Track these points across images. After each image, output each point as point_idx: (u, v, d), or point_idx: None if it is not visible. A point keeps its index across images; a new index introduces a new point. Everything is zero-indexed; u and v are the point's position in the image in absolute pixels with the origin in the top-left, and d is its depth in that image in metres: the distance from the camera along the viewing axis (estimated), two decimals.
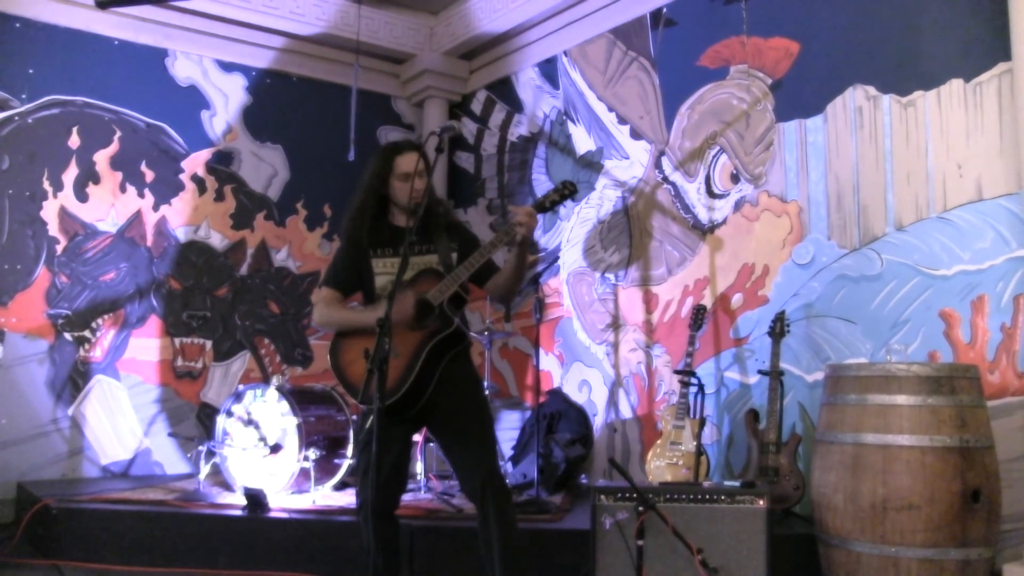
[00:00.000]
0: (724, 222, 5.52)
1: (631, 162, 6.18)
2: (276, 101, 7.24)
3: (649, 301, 5.94)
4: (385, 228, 3.65)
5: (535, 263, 6.54)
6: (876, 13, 4.81)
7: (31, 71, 6.17)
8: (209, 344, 6.77)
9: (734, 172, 5.48)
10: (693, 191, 5.72)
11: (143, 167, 6.58)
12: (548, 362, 6.60)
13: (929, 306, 4.47)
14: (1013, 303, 4.17)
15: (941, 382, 3.72)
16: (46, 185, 6.17)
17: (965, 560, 3.61)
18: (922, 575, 3.60)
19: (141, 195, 6.55)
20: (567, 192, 3.46)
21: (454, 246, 3.63)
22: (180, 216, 6.72)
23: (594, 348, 6.31)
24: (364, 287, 3.67)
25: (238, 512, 4.85)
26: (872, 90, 4.81)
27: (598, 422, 6.15)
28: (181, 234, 6.72)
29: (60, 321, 6.16)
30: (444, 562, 4.40)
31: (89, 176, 6.34)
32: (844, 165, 4.92)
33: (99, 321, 6.31)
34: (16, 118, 6.09)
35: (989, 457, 3.74)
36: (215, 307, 6.82)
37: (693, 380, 4.98)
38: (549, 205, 3.47)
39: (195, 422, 6.61)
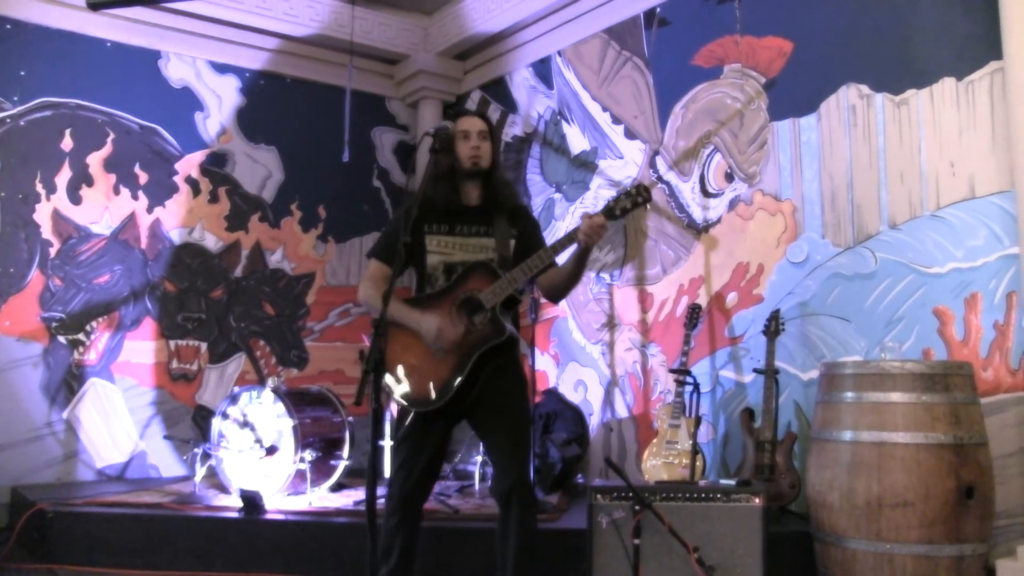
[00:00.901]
0: (719, 221, 5.53)
1: (625, 162, 6.19)
2: (270, 102, 7.23)
3: (644, 300, 5.94)
4: (448, 202, 3.51)
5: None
6: (869, 12, 4.83)
7: (23, 73, 6.16)
8: (204, 346, 6.76)
9: (728, 171, 5.49)
10: (687, 190, 5.73)
11: (137, 169, 6.57)
12: (544, 362, 6.61)
13: (923, 304, 4.48)
14: (1006, 300, 4.19)
15: (935, 379, 3.73)
16: (39, 188, 6.16)
17: (959, 556, 3.62)
18: (917, 572, 3.61)
19: (135, 197, 6.55)
20: (641, 199, 3.27)
21: (514, 232, 3.54)
22: (174, 218, 6.71)
23: (589, 348, 6.32)
24: (415, 263, 3.55)
25: (234, 514, 4.85)
26: (865, 89, 4.82)
27: (594, 422, 6.16)
28: (175, 236, 6.71)
29: (54, 324, 6.15)
30: (441, 563, 4.40)
31: (82, 178, 6.33)
32: (838, 164, 4.93)
33: (93, 324, 6.30)
34: (8, 120, 6.08)
35: (983, 454, 3.75)
36: (210, 309, 6.81)
37: (688, 379, 4.99)
38: (620, 213, 3.29)
39: (191, 424, 6.60)
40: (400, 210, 3.56)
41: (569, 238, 3.31)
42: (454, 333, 3.37)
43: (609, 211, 3.29)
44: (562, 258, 3.48)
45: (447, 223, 3.52)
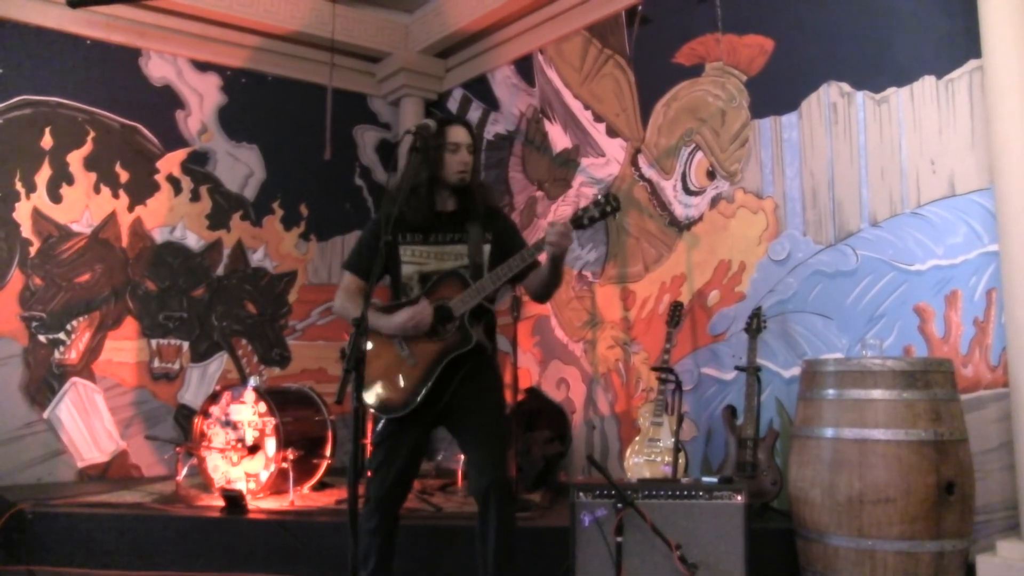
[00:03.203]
0: (700, 219, 5.54)
1: (607, 160, 6.19)
2: (251, 101, 7.20)
3: (626, 298, 5.95)
4: (422, 212, 3.48)
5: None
6: (849, 10, 4.85)
7: (1, 71, 6.11)
8: (186, 345, 6.73)
9: (710, 169, 5.51)
10: (669, 188, 5.74)
11: (117, 167, 6.53)
12: (526, 360, 6.60)
13: (904, 301, 4.51)
14: (986, 297, 4.21)
15: (916, 376, 3.75)
16: (18, 186, 6.12)
17: (940, 552, 3.64)
18: (898, 567, 3.63)
19: (116, 196, 6.51)
20: (609, 209, 3.26)
21: (488, 236, 3.55)
22: (155, 217, 6.67)
23: (572, 346, 6.32)
24: (390, 273, 3.56)
25: (216, 514, 4.83)
26: (846, 87, 4.85)
27: (576, 420, 6.16)
28: (157, 235, 6.67)
29: (34, 323, 6.10)
30: (424, 561, 4.40)
31: (63, 177, 6.29)
32: (819, 161, 4.95)
33: (74, 323, 6.26)
34: None
35: (963, 450, 3.78)
36: (192, 308, 6.78)
37: (670, 377, 5.00)
38: (587, 223, 3.29)
39: (172, 424, 6.57)
40: (376, 216, 3.61)
41: (537, 247, 3.33)
42: (426, 315, 3.37)
43: (576, 220, 3.30)
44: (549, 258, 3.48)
45: (421, 232, 3.53)
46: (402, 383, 3.42)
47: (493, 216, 3.64)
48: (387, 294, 3.67)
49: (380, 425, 3.50)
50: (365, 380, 3.37)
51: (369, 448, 4.00)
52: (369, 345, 3.46)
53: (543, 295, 3.57)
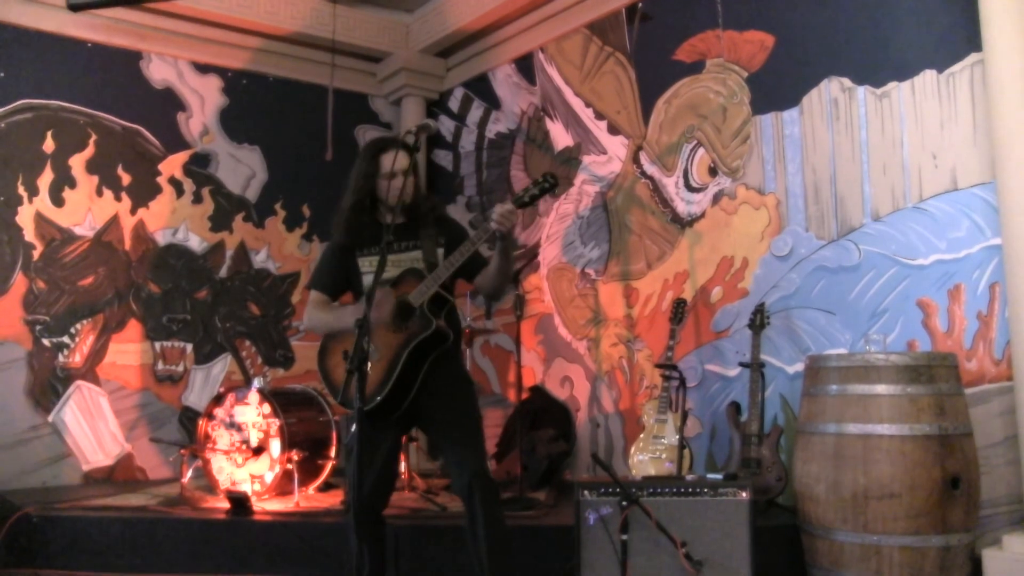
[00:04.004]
0: (702, 215, 5.53)
1: (609, 157, 6.19)
2: (253, 102, 7.20)
3: (629, 296, 5.95)
4: (372, 226, 3.62)
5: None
6: (850, 5, 4.84)
7: (2, 75, 6.11)
8: (190, 347, 6.73)
9: (711, 165, 5.50)
10: (671, 185, 5.74)
11: (119, 170, 6.53)
12: (530, 358, 6.60)
13: (907, 296, 4.50)
14: (989, 291, 4.21)
15: (919, 371, 3.75)
16: (21, 190, 6.12)
17: (946, 546, 3.64)
18: (904, 563, 3.63)
19: (118, 198, 6.51)
20: (547, 185, 3.40)
21: (441, 241, 3.63)
22: (158, 219, 6.68)
23: (575, 344, 6.32)
24: (352, 287, 3.69)
25: (222, 515, 4.84)
26: (847, 82, 4.84)
27: (581, 418, 6.16)
28: (159, 237, 6.67)
29: (38, 327, 6.11)
30: (429, 561, 4.40)
31: (65, 180, 6.29)
32: (821, 157, 4.94)
33: (78, 326, 6.27)
34: None
35: (968, 444, 3.77)
36: (195, 310, 6.78)
37: (674, 374, 4.99)
38: (529, 200, 3.41)
39: (177, 426, 6.57)
40: (331, 240, 3.79)
41: (484, 230, 3.40)
42: (387, 302, 3.44)
43: (518, 199, 3.41)
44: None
45: (377, 244, 3.53)
46: (370, 375, 3.40)
47: (443, 222, 3.74)
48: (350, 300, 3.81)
49: (353, 429, 3.49)
50: (334, 382, 3.53)
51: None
52: (334, 350, 3.58)
53: (496, 287, 3.63)
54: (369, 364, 3.39)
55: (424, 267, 3.53)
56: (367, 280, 3.57)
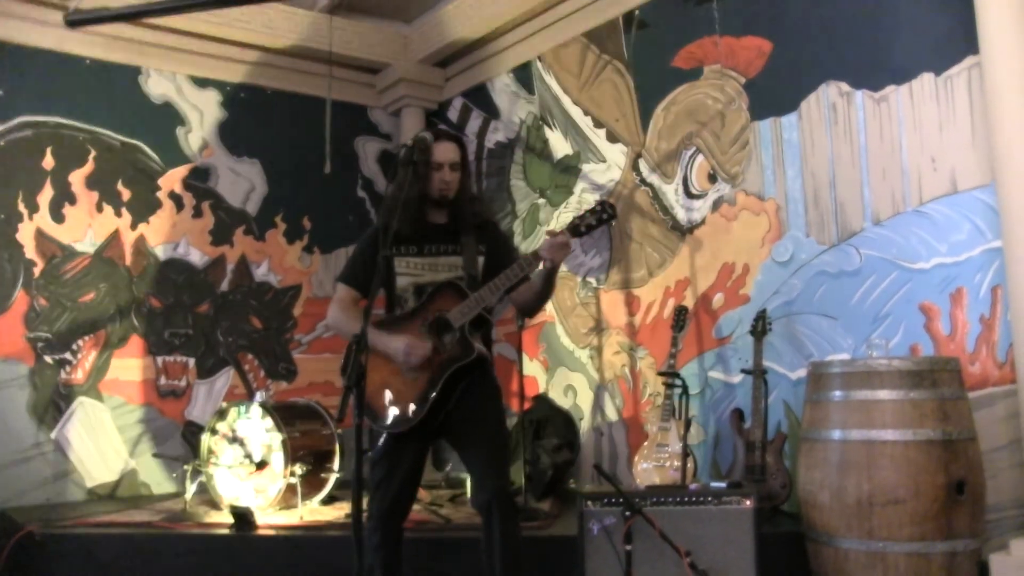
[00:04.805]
0: (703, 222, 5.53)
1: (608, 165, 6.18)
2: (251, 115, 7.20)
3: (631, 303, 5.94)
4: (415, 224, 3.50)
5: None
6: (846, 9, 4.84)
7: (1, 92, 6.12)
8: (192, 362, 6.73)
9: (711, 172, 5.49)
10: (671, 192, 5.73)
11: (119, 186, 6.54)
12: (532, 368, 6.59)
13: (909, 300, 4.49)
14: (991, 294, 4.19)
15: (922, 376, 3.73)
16: (21, 207, 6.13)
17: (952, 552, 3.62)
18: (909, 569, 3.61)
19: (118, 214, 6.52)
20: (606, 216, 3.30)
21: (482, 248, 3.57)
22: (158, 234, 6.68)
23: (578, 352, 6.31)
24: (386, 285, 3.55)
25: (226, 530, 4.82)
26: (845, 86, 4.83)
27: (584, 426, 6.15)
28: (160, 252, 6.68)
29: (40, 344, 6.11)
30: (433, 572, 4.38)
31: (65, 197, 6.30)
32: (820, 162, 4.93)
33: (80, 343, 6.27)
34: None
35: (972, 448, 3.75)
36: (197, 324, 6.78)
37: (677, 381, 4.98)
38: (585, 230, 3.32)
39: (180, 441, 6.56)
40: (371, 229, 3.65)
41: (535, 255, 3.33)
42: (423, 350, 3.38)
43: (574, 228, 3.33)
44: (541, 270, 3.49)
45: (415, 244, 3.53)
46: (404, 396, 3.42)
47: (486, 228, 3.65)
48: (382, 303, 3.66)
49: (380, 441, 3.49)
50: (372, 408, 3.42)
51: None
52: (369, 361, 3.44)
53: (532, 308, 3.60)
54: (403, 381, 3.39)
55: (463, 277, 3.47)
56: (401, 282, 3.51)
